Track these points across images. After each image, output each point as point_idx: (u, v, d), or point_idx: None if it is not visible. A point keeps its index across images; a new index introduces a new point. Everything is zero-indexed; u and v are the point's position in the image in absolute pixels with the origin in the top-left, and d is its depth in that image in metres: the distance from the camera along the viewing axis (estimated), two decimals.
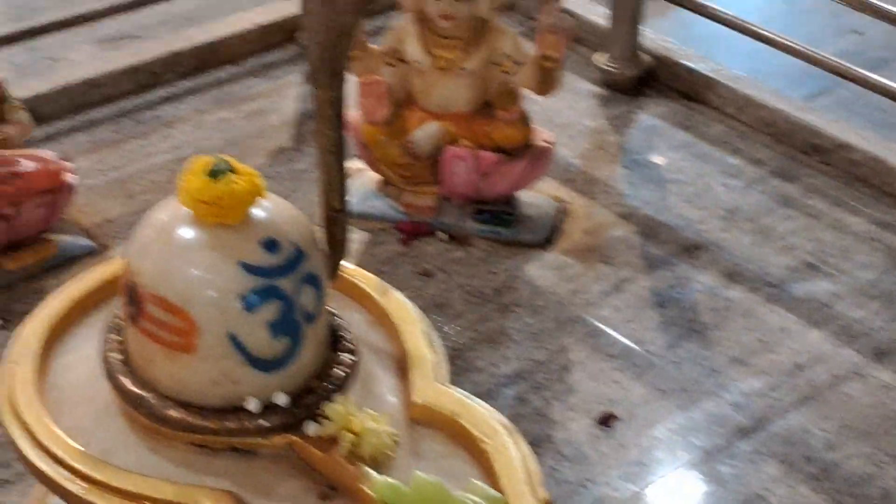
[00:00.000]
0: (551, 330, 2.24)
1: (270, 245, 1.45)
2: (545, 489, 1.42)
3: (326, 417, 1.47)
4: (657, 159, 2.79)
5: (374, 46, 2.45)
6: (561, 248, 2.47)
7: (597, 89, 3.06)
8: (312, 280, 1.49)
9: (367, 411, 1.50)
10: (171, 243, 1.46)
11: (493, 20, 2.38)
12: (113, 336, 1.54)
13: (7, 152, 2.33)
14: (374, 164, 2.52)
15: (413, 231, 2.50)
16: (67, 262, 2.38)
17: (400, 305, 1.71)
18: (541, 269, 2.41)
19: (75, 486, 1.42)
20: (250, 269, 1.43)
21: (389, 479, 1.38)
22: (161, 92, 3.02)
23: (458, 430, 1.53)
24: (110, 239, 2.46)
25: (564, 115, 2.93)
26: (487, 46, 2.40)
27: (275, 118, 2.92)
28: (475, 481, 1.43)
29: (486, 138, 2.43)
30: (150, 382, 1.49)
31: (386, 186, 2.57)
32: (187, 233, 1.45)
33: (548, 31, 2.33)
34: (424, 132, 2.43)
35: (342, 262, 1.63)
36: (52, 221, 2.38)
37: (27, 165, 2.32)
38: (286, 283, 1.44)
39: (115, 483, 1.41)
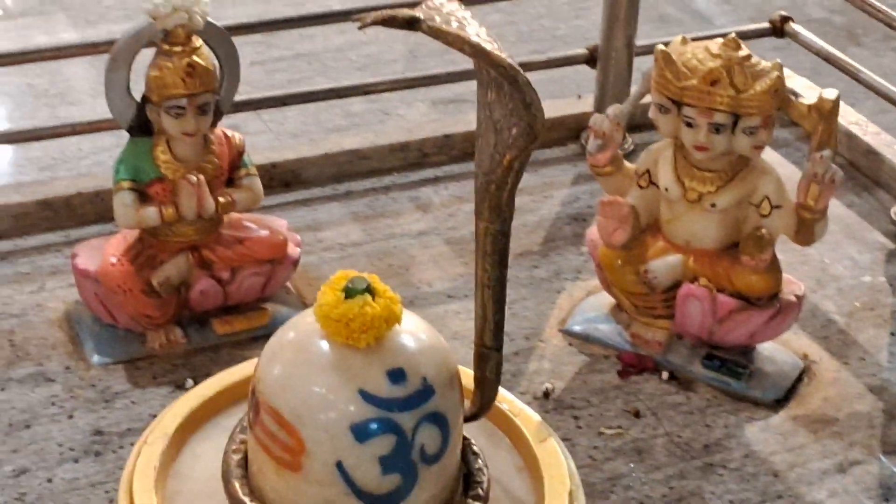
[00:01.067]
0: (752, 502, 2.05)
1: (397, 376, 1.37)
2: None
3: None
4: None
5: (629, 165, 2.33)
6: (792, 413, 2.27)
7: (888, 242, 2.82)
8: (438, 420, 1.39)
9: None
10: (296, 356, 1.40)
11: (754, 158, 2.22)
12: (240, 436, 1.49)
13: (239, 216, 2.34)
14: (608, 287, 2.40)
15: (635, 364, 2.35)
16: None
17: (555, 457, 1.59)
18: (763, 433, 2.22)
19: None
20: (369, 398, 1.36)
21: None
22: (426, 173, 3.00)
23: None
24: None
25: (840, 266, 2.71)
26: (745, 185, 2.23)
27: (531, 218, 2.84)
28: None
29: (727, 281, 2.27)
30: (259, 492, 1.44)
31: (618, 312, 2.44)
32: (314, 348, 1.39)
33: (812, 181, 2.15)
34: (664, 264, 2.29)
35: (492, 402, 1.52)
36: (271, 291, 2.37)
37: (253, 232, 2.32)
38: (405, 418, 1.36)
39: None
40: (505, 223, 1.41)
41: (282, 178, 2.99)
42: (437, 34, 1.29)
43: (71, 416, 2.17)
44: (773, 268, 2.26)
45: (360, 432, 1.35)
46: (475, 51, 1.29)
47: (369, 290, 1.38)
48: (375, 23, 1.33)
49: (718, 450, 2.17)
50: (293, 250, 2.38)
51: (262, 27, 3.03)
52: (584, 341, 2.42)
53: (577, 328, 2.45)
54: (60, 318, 2.43)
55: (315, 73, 3.62)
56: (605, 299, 2.47)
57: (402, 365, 1.38)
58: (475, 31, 1.29)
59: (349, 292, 1.37)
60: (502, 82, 1.30)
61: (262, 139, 3.18)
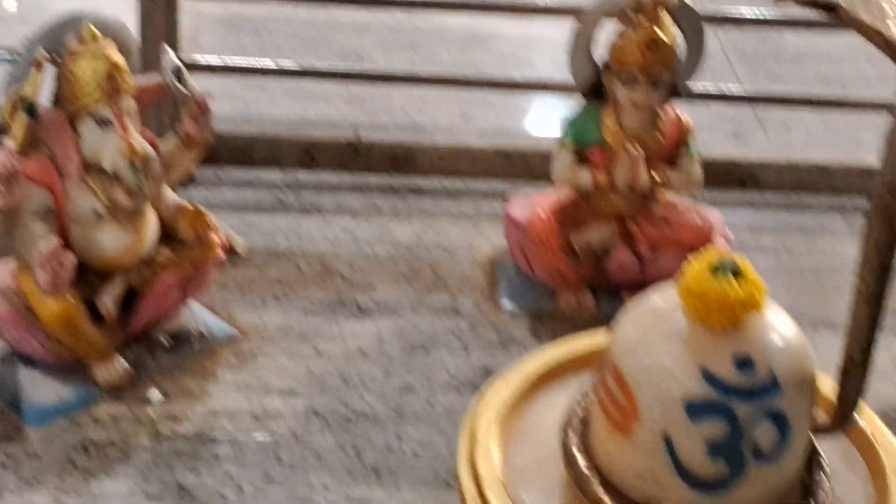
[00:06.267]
0: None
1: (744, 364, 1.33)
2: None
3: None
4: None
5: None
6: None
7: None
8: (779, 419, 1.34)
9: None
10: (650, 322, 1.39)
11: None
12: (591, 395, 1.51)
13: (674, 199, 2.34)
14: None
15: None
16: None
17: None
18: None
19: None
20: (710, 378, 1.32)
21: None
22: None
23: None
24: None
25: None
26: None
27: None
28: None
29: None
30: (591, 449, 1.45)
31: None
32: (669, 318, 1.37)
33: None
34: None
35: (849, 419, 1.44)
36: None
37: (683, 216, 2.32)
38: (743, 408, 1.32)
39: None
40: (893, 237, 1.32)
41: (740, 177, 2.96)
42: (853, 22, 1.24)
43: (467, 350, 2.26)
44: None
45: (694, 410, 1.32)
46: (890, 47, 1.22)
47: (736, 271, 1.34)
48: (795, 2, 1.29)
49: None
50: (720, 242, 2.35)
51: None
52: None
53: None
54: (484, 261, 2.54)
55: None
56: None
57: (752, 354, 1.33)
58: None
59: (716, 270, 1.34)
60: None
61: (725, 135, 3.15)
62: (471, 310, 2.38)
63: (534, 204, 2.37)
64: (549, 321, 2.35)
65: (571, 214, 2.33)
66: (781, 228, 2.78)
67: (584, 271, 2.35)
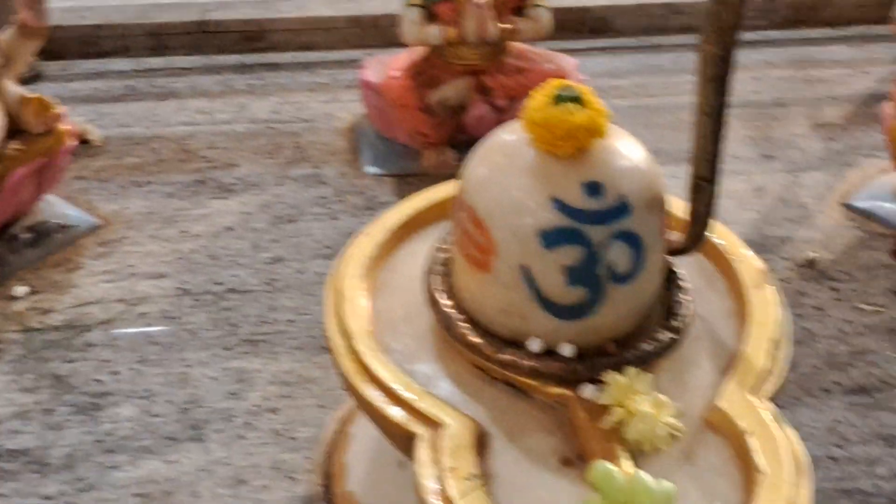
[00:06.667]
0: None
1: (593, 189, 1.34)
2: None
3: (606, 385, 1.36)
4: None
5: None
6: None
7: None
8: (630, 239, 1.36)
9: (655, 395, 1.36)
10: (498, 158, 1.40)
11: None
12: (449, 238, 1.52)
13: (526, 48, 2.34)
14: None
15: None
16: None
17: (767, 304, 1.53)
18: None
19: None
20: (561, 206, 1.34)
21: (610, 467, 1.25)
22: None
23: (742, 450, 1.36)
24: None
25: None
26: None
27: (842, 90, 2.70)
28: None
29: None
30: (455, 291, 1.46)
31: None
32: (516, 152, 1.38)
33: None
34: None
35: (703, 237, 1.47)
36: None
37: (536, 64, 2.32)
38: (596, 232, 1.33)
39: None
40: (727, 49, 1.34)
41: (592, 24, 2.96)
42: None
43: (334, 218, 2.26)
44: None
45: (549, 239, 1.34)
46: None
47: (578, 99, 1.35)
48: None
49: None
50: None
51: None
52: (865, 218, 2.31)
53: (859, 204, 2.33)
54: (345, 129, 2.52)
55: None
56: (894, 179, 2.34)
57: (600, 179, 1.35)
58: None
59: (557, 99, 1.35)
60: None
61: None
62: (335, 178, 2.38)
63: (388, 66, 2.36)
64: (413, 181, 2.36)
65: (425, 73, 2.33)
66: (638, 71, 2.80)
67: (443, 128, 2.36)
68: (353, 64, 2.71)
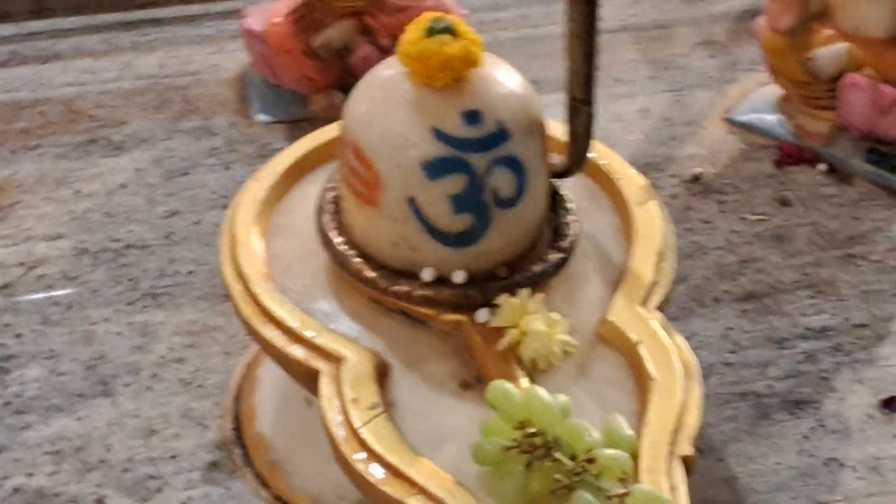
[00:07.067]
0: (888, 294, 1.99)
1: (472, 117, 1.37)
2: (693, 448, 1.27)
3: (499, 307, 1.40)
4: None
5: None
6: None
7: None
8: (512, 164, 1.40)
9: (548, 314, 1.41)
10: (377, 93, 1.43)
11: None
12: (338, 177, 1.54)
13: None
14: (774, 77, 2.33)
15: (794, 155, 2.29)
16: None
17: (651, 219, 1.58)
18: None
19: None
20: (442, 136, 1.37)
21: (506, 386, 1.29)
22: None
23: (634, 360, 1.41)
24: None
25: None
26: None
27: (719, 7, 2.76)
28: (617, 416, 1.31)
29: (894, 72, 2.16)
30: (346, 228, 1.49)
31: (785, 104, 2.36)
32: (395, 87, 1.41)
33: None
34: (828, 52, 2.20)
35: (584, 158, 1.51)
36: None
37: (417, 2, 2.33)
38: (478, 159, 1.37)
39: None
40: None
41: None
42: None
43: (228, 168, 2.27)
44: None
45: (432, 170, 1.37)
46: None
47: (451, 30, 1.38)
48: None
49: (862, 241, 2.10)
50: None
51: None
52: (747, 131, 2.37)
53: (740, 117, 2.40)
54: (232, 79, 2.53)
55: None
56: (772, 91, 2.40)
57: (478, 107, 1.38)
58: None
59: (430, 31, 1.38)
60: None
61: None
62: (225, 128, 2.39)
63: (269, 13, 2.36)
64: (304, 126, 2.37)
65: (307, 17, 2.34)
66: (519, 2, 2.83)
67: (330, 71, 2.37)
68: (237, 14, 2.70)
